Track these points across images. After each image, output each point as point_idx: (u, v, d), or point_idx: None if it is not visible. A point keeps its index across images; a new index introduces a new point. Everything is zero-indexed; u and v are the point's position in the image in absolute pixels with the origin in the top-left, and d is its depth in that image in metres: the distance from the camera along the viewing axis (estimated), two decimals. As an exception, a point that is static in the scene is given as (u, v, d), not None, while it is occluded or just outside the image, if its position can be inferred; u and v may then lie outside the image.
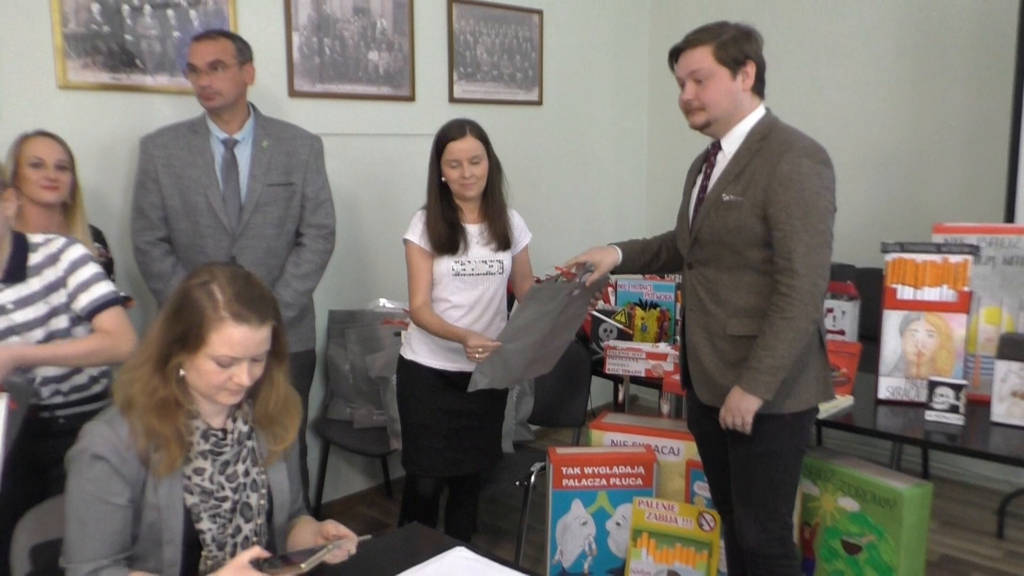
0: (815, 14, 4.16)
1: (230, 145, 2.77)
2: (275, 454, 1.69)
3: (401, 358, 2.77)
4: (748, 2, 4.41)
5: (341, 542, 1.56)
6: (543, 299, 2.43)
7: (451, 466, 2.75)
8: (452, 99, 3.93)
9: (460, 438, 2.71)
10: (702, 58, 2.16)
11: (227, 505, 1.60)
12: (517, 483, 3.08)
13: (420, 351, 2.70)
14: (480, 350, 2.45)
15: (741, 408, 2.13)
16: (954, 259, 2.61)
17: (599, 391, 4.23)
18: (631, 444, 3.00)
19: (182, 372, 1.56)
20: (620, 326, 3.30)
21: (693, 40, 2.19)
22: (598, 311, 3.38)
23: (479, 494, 3.00)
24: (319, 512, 3.63)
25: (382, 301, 3.65)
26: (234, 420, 1.65)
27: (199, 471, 1.58)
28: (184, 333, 1.53)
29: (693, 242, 2.28)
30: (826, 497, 2.63)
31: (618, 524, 2.94)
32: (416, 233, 2.66)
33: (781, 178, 2.09)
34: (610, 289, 3.67)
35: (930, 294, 2.61)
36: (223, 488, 1.60)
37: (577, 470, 2.91)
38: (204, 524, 1.58)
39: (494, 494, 3.61)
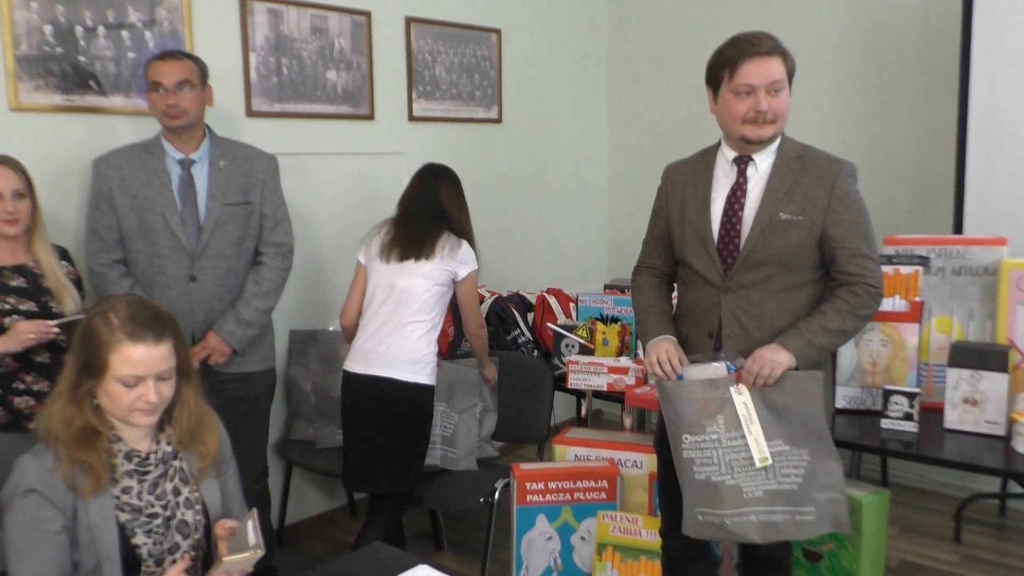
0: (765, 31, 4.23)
1: (186, 165, 2.75)
2: (203, 471, 1.78)
3: (431, 388, 2.91)
4: (700, 20, 4.50)
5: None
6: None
7: None
8: (411, 117, 3.94)
9: None
10: (779, 68, 2.11)
11: (158, 521, 1.69)
12: (481, 500, 3.08)
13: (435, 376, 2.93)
14: None
15: (775, 359, 2.05)
16: (905, 270, 2.66)
17: (562, 406, 4.24)
18: (594, 458, 3.02)
19: (96, 401, 1.66)
20: (582, 341, 3.32)
21: (772, 47, 2.11)
22: (559, 326, 3.40)
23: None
24: (283, 534, 3.59)
25: (343, 320, 3.63)
26: (157, 442, 1.73)
27: (127, 490, 1.67)
28: (88, 361, 1.64)
29: (739, 265, 2.15)
30: (787, 506, 2.66)
31: (583, 538, 2.95)
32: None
33: (841, 197, 2.12)
34: (571, 304, 3.69)
35: (883, 304, 2.66)
36: (152, 505, 1.69)
37: (541, 485, 2.91)
38: (139, 539, 1.66)
39: (460, 511, 3.60)
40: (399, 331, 2.86)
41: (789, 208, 2.12)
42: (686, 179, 2.27)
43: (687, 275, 2.28)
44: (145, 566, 1.67)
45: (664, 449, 2.27)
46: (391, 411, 2.85)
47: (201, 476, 1.77)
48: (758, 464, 2.06)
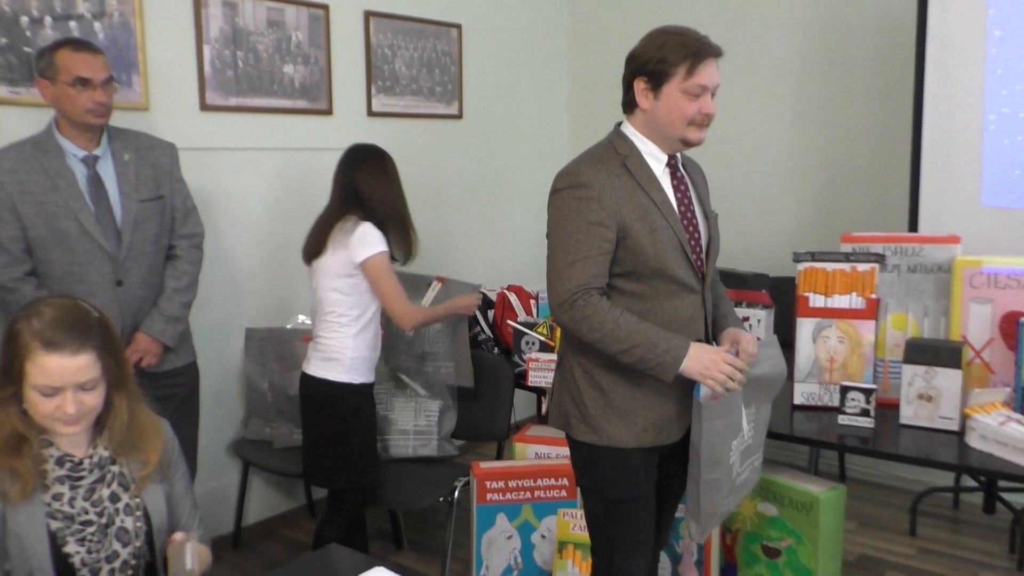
0: (724, 33, 4.25)
1: (91, 163, 2.57)
2: (145, 479, 1.70)
3: (351, 385, 2.77)
4: (660, 17, 4.50)
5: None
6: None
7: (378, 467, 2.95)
8: (371, 113, 3.90)
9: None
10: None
11: (92, 529, 1.63)
12: (441, 499, 3.05)
13: (366, 372, 2.81)
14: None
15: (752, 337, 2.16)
16: (862, 268, 2.68)
17: (522, 404, 4.23)
18: (555, 456, 3.00)
19: (24, 406, 1.59)
20: (542, 338, 3.31)
21: (720, 49, 2.03)
22: (519, 323, 3.39)
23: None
24: (240, 536, 3.54)
25: (301, 318, 3.59)
26: (94, 447, 1.67)
27: (58, 496, 1.61)
28: (8, 366, 1.56)
29: (709, 265, 2.13)
30: (746, 503, 2.67)
31: (543, 536, 2.94)
32: (385, 244, 2.73)
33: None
34: (532, 301, 3.68)
35: (840, 302, 2.68)
36: (87, 512, 1.63)
37: (501, 484, 2.90)
38: (71, 548, 1.60)
39: (420, 511, 3.58)
40: (318, 329, 2.82)
41: (709, 202, 2.20)
42: (620, 182, 2.02)
43: (660, 286, 2.04)
44: (79, 573, 1.61)
45: (647, 483, 2.13)
46: (308, 408, 2.84)
47: (143, 483, 1.71)
48: (745, 437, 2.16)
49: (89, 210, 2.55)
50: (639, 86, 2.04)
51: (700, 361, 1.95)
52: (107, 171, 2.61)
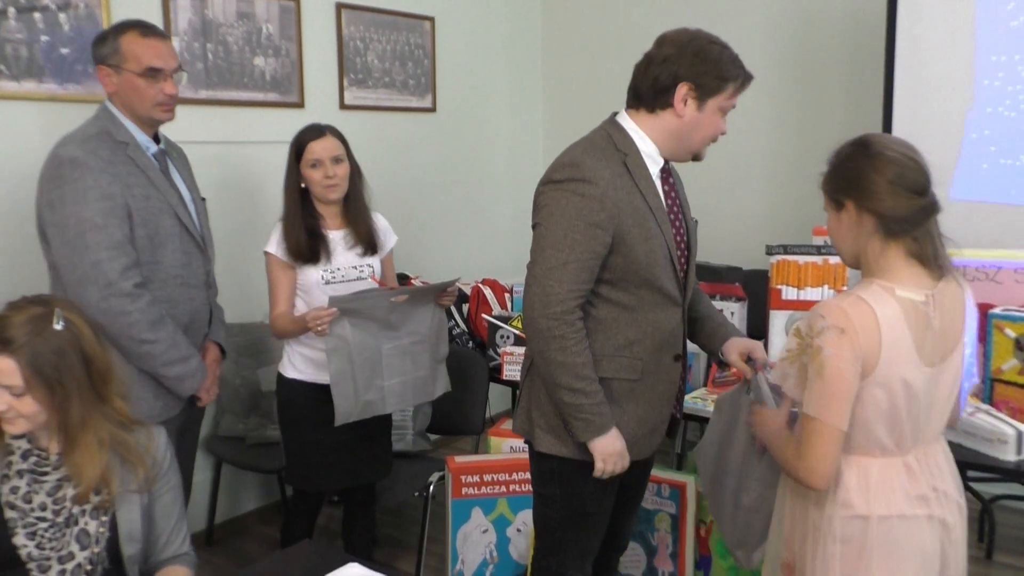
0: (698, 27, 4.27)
1: (161, 158, 2.36)
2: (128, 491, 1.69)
3: (282, 377, 2.70)
4: (632, 12, 4.51)
5: None
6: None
7: (349, 476, 2.74)
8: (343, 106, 3.87)
9: (353, 448, 2.69)
10: None
11: (45, 525, 1.62)
12: (416, 494, 3.05)
13: (305, 369, 2.65)
14: (319, 320, 2.38)
15: None
16: (833, 260, 2.71)
17: (497, 398, 4.22)
18: (530, 450, 3.00)
19: None
20: (517, 332, 3.30)
21: None
22: (494, 317, 3.38)
23: (375, 507, 2.95)
24: (212, 533, 3.51)
25: (274, 313, 3.56)
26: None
27: (14, 489, 1.62)
28: None
29: (690, 277, 2.07)
30: (719, 494, 2.69)
31: (519, 530, 2.94)
32: (274, 245, 2.60)
33: None
34: (506, 295, 3.68)
35: (812, 294, 2.70)
36: (45, 508, 1.63)
37: (476, 478, 2.90)
38: (20, 539, 1.61)
39: (395, 506, 3.57)
40: None
41: (689, 209, 2.12)
42: (622, 183, 1.90)
43: (646, 297, 1.95)
44: (27, 568, 1.61)
45: (612, 496, 2.10)
46: None
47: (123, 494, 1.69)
48: None
49: (184, 206, 2.35)
50: (683, 91, 1.90)
51: (611, 447, 1.92)
52: (172, 168, 2.40)
